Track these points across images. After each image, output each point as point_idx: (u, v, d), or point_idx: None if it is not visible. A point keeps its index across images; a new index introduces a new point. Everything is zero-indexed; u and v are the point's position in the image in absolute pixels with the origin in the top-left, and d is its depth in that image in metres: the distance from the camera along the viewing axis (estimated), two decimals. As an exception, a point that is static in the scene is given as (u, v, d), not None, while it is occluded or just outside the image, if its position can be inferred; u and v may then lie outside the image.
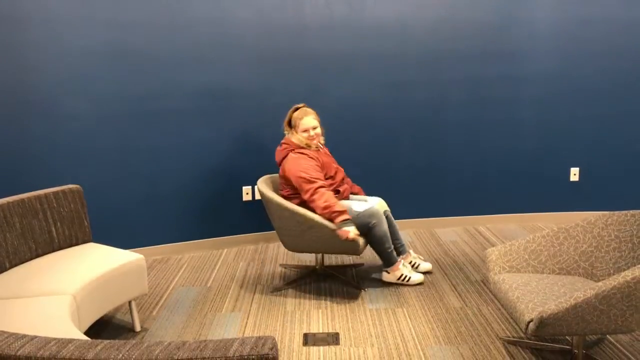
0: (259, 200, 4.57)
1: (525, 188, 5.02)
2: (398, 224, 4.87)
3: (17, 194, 3.15)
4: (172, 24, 4.15)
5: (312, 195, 3.43)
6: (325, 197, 3.41)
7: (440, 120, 4.81)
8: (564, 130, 4.93)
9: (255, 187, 4.55)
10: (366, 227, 3.51)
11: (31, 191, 3.22)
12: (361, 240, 3.46)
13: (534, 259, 2.92)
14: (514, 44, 4.75)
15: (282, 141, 3.73)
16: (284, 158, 3.65)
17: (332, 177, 3.70)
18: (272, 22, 4.37)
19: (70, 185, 3.33)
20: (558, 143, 4.95)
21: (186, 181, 4.39)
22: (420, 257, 3.99)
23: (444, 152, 4.87)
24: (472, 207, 5.00)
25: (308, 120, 3.67)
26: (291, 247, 3.62)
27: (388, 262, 3.69)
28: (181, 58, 4.21)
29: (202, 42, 4.24)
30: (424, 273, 3.90)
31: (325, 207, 3.38)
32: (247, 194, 4.57)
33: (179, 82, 4.24)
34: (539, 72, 4.81)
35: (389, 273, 3.72)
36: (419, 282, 3.73)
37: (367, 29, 4.56)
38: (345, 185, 3.81)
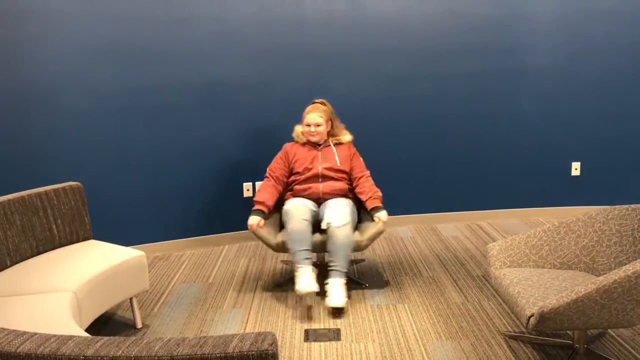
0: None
1: (527, 183, 5.01)
2: (399, 219, 4.87)
3: (17, 192, 3.15)
4: (173, 18, 4.14)
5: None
6: (260, 189, 3.68)
7: (441, 115, 4.80)
8: (565, 125, 4.92)
9: (256, 183, 4.55)
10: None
11: (32, 188, 3.22)
12: (266, 236, 3.47)
13: (535, 254, 2.91)
14: (515, 38, 4.73)
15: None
16: None
17: (298, 173, 3.66)
18: (273, 17, 4.36)
19: (71, 183, 3.33)
20: (559, 137, 4.94)
21: (187, 177, 4.39)
22: (339, 297, 3.30)
23: (445, 147, 4.86)
24: (473, 202, 4.99)
25: (311, 116, 3.69)
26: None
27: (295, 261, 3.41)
28: (182, 53, 4.20)
29: (202, 37, 4.23)
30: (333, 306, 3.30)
31: (255, 198, 3.64)
32: (248, 190, 4.56)
33: (180, 77, 4.23)
34: (540, 66, 4.80)
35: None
36: (301, 291, 3.24)
37: (368, 23, 4.55)
38: (319, 187, 3.63)
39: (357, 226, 3.65)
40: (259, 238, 3.48)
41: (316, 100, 3.83)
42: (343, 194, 3.69)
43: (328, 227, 3.38)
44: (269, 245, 3.48)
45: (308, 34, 4.45)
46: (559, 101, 4.87)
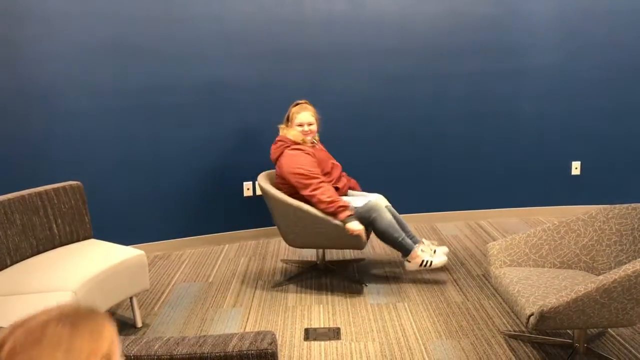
0: (259, 196, 4.57)
1: (526, 182, 5.01)
2: (399, 218, 4.87)
3: (17, 191, 3.15)
4: (172, 18, 4.14)
5: (313, 190, 3.39)
6: (329, 192, 3.39)
7: (441, 114, 4.80)
8: (565, 124, 4.92)
9: (256, 182, 4.55)
10: (367, 221, 3.50)
11: (31, 187, 3.22)
12: (364, 235, 3.44)
13: (534, 253, 2.91)
14: (514, 37, 4.73)
15: (277, 138, 3.70)
16: (279, 155, 3.62)
17: (328, 174, 3.67)
18: (272, 17, 4.36)
19: (71, 182, 3.33)
20: (559, 136, 4.94)
21: (187, 177, 4.39)
22: (434, 242, 3.77)
23: (445, 146, 4.86)
24: (473, 201, 4.99)
25: (304, 115, 3.68)
26: (293, 242, 3.62)
27: (405, 251, 3.56)
28: (181, 53, 4.20)
29: (202, 37, 4.23)
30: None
31: (331, 202, 3.35)
32: (248, 189, 4.56)
33: (179, 77, 4.23)
34: (540, 65, 4.79)
35: (409, 262, 3.58)
36: (442, 264, 3.60)
37: (367, 23, 4.54)
38: (344, 181, 3.79)
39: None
40: (358, 240, 3.40)
41: (300, 102, 3.78)
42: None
43: (388, 209, 3.73)
44: (358, 247, 3.49)
45: (308, 33, 4.45)
46: (558, 100, 4.87)
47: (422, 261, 3.57)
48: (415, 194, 4.90)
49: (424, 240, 3.73)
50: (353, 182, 3.99)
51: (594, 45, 4.78)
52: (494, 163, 4.94)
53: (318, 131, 3.81)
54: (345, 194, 3.77)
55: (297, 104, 3.76)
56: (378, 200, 3.64)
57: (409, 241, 3.58)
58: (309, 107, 3.75)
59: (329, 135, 4.62)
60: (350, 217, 3.36)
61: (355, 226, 3.34)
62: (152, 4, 4.07)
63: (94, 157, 4.11)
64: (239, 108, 4.42)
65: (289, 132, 3.67)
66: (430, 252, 3.62)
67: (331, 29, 4.49)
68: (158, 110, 4.23)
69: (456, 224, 4.91)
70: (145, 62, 4.13)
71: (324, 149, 3.88)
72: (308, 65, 4.50)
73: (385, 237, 3.54)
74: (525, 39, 4.74)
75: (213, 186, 4.48)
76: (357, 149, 4.71)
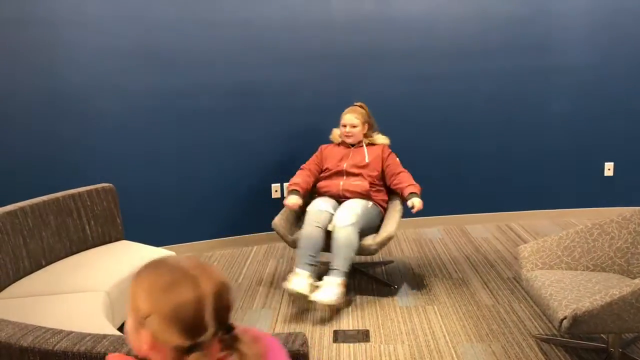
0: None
1: (558, 183, 4.93)
2: (428, 220, 4.84)
3: (52, 193, 3.22)
4: (202, 23, 4.18)
5: None
6: (294, 178, 3.75)
7: (471, 115, 4.76)
8: (598, 124, 4.83)
9: (284, 185, 4.57)
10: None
11: (65, 190, 3.28)
12: (282, 229, 3.54)
13: (567, 256, 2.86)
14: (545, 35, 4.66)
15: None
16: None
17: (330, 170, 3.75)
18: (300, 19, 4.37)
19: (104, 184, 3.39)
20: (591, 137, 4.86)
21: (216, 179, 4.43)
22: (327, 294, 3.24)
23: (475, 147, 4.81)
24: (503, 203, 4.93)
25: (348, 117, 3.80)
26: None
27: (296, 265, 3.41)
28: (211, 57, 4.25)
29: (231, 41, 4.27)
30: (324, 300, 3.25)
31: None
32: (276, 191, 4.58)
33: (209, 81, 4.27)
34: (571, 64, 4.72)
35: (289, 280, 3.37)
36: (290, 290, 3.28)
37: (395, 23, 4.53)
38: (354, 185, 3.65)
39: (375, 229, 3.61)
40: (277, 232, 3.52)
41: (356, 103, 3.92)
42: (364, 194, 3.64)
43: (333, 228, 3.41)
44: (285, 241, 3.56)
45: (335, 36, 4.46)
46: (591, 99, 4.79)
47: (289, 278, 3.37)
48: (445, 195, 4.87)
49: (338, 280, 3.31)
50: (406, 186, 3.68)
51: (628, 43, 4.69)
52: (524, 164, 4.88)
53: (367, 136, 3.85)
54: (344, 199, 3.67)
55: (353, 106, 3.90)
56: (336, 220, 3.42)
57: (302, 260, 3.36)
58: (358, 109, 3.84)
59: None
60: (289, 193, 3.67)
61: (289, 200, 3.61)
62: (182, 9, 4.12)
63: (126, 159, 4.17)
64: (267, 111, 4.44)
65: (333, 133, 3.99)
66: (298, 282, 3.30)
67: (358, 30, 4.49)
68: (188, 113, 4.27)
69: (486, 226, 4.86)
70: (176, 66, 4.18)
71: (364, 150, 3.78)
72: (336, 67, 4.50)
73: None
74: (556, 38, 4.67)
75: (242, 188, 4.51)
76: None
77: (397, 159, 3.86)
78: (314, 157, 3.90)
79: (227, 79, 4.31)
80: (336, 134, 3.94)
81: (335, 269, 3.33)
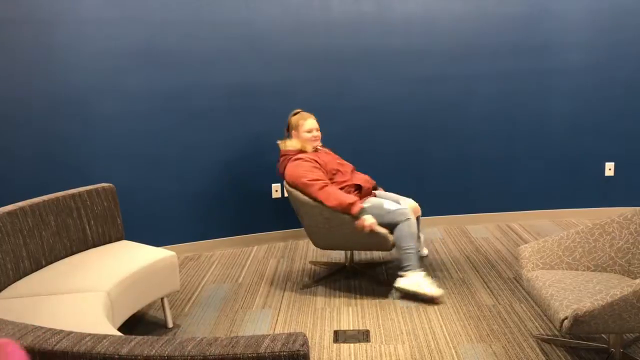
0: (287, 198, 4.57)
1: (558, 183, 4.93)
2: (428, 221, 4.84)
3: (52, 193, 3.21)
4: (202, 23, 4.18)
5: (318, 195, 3.41)
6: (333, 195, 3.39)
7: (470, 116, 4.76)
8: (598, 124, 4.83)
9: (284, 184, 4.56)
10: (394, 226, 3.48)
11: (65, 190, 3.28)
12: (386, 232, 3.42)
13: (568, 256, 2.86)
14: (545, 36, 4.66)
15: (280, 155, 3.72)
16: (284, 170, 3.63)
17: (337, 174, 3.63)
18: (300, 20, 4.37)
19: (104, 184, 3.39)
20: (592, 137, 4.85)
21: (216, 179, 4.43)
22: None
23: (474, 147, 4.81)
24: (503, 203, 4.93)
25: (311, 122, 3.71)
26: (321, 244, 3.62)
27: (403, 267, 3.44)
28: (211, 57, 4.24)
29: (230, 41, 4.27)
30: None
31: (338, 204, 3.36)
32: (276, 191, 4.58)
33: (209, 81, 4.27)
34: (571, 65, 4.71)
35: (403, 277, 3.44)
36: (433, 295, 3.37)
37: (395, 24, 4.52)
38: (363, 177, 3.72)
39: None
40: (376, 237, 3.37)
41: (296, 111, 3.79)
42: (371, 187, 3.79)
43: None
44: (385, 248, 3.44)
45: (335, 36, 4.45)
46: (591, 99, 4.78)
47: (407, 288, 3.41)
48: (445, 196, 4.86)
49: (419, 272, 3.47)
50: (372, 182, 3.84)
51: (628, 43, 4.68)
52: (524, 164, 4.87)
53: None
54: (369, 190, 3.72)
55: (297, 113, 3.77)
56: (411, 209, 3.57)
57: (416, 258, 3.44)
58: (311, 114, 3.78)
59: (355, 137, 4.62)
60: (362, 211, 3.39)
61: (367, 220, 3.35)
62: (181, 9, 4.12)
63: (126, 159, 4.17)
64: (267, 110, 4.44)
65: (287, 144, 3.69)
66: (429, 282, 3.43)
67: (358, 31, 4.48)
68: (188, 113, 4.27)
69: (486, 226, 4.86)
70: (176, 66, 4.17)
71: (329, 152, 3.84)
72: (336, 67, 4.50)
73: (400, 242, 3.43)
74: (557, 38, 4.67)
75: (242, 188, 4.51)
76: (385, 152, 4.70)
77: None
78: (318, 169, 3.54)
79: (228, 79, 4.31)
80: (296, 145, 3.65)
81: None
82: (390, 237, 3.43)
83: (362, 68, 4.54)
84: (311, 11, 4.38)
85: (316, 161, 3.57)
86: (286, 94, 4.45)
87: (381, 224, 3.44)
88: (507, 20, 4.62)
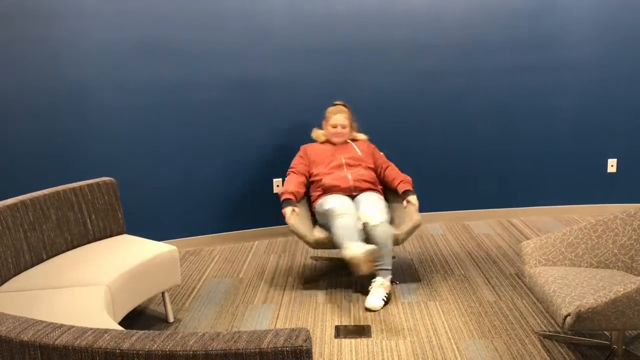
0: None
1: (561, 180, 4.91)
2: (430, 216, 4.83)
3: (53, 187, 3.20)
4: (204, 16, 4.16)
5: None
6: (287, 184, 3.70)
7: (473, 110, 4.74)
8: (601, 120, 4.81)
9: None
10: (326, 226, 3.54)
11: (66, 184, 3.27)
12: (303, 232, 3.40)
13: (570, 252, 2.85)
14: (550, 30, 4.64)
15: None
16: None
17: (323, 165, 3.76)
18: (303, 13, 4.35)
19: (105, 178, 3.38)
20: (595, 133, 4.83)
21: (217, 174, 4.41)
22: (377, 301, 3.29)
23: (477, 142, 4.79)
24: (505, 199, 4.92)
25: (338, 117, 3.82)
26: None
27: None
28: (213, 50, 4.22)
29: (233, 34, 4.25)
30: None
31: (281, 192, 3.66)
32: (278, 186, 4.57)
33: (210, 74, 4.25)
34: (575, 60, 4.69)
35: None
36: (353, 255, 3.13)
37: (399, 17, 4.50)
38: (361, 174, 3.72)
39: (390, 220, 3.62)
40: (296, 234, 3.41)
41: (338, 103, 3.96)
42: (373, 185, 3.76)
43: (365, 226, 3.40)
44: (306, 242, 3.43)
45: (338, 29, 4.43)
46: (594, 95, 4.76)
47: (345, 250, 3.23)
48: (447, 191, 4.85)
49: (384, 281, 3.36)
50: (399, 183, 3.77)
51: (633, 38, 4.66)
52: (527, 160, 4.86)
53: (353, 130, 3.97)
54: (356, 192, 3.70)
55: (335, 105, 3.92)
56: (365, 218, 3.43)
57: (351, 237, 3.29)
58: (344, 109, 3.89)
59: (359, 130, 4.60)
60: (284, 202, 3.58)
61: (287, 212, 3.50)
62: (183, 2, 4.10)
63: (127, 153, 4.16)
64: (269, 105, 4.42)
65: (316, 133, 3.99)
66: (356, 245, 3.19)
67: (361, 24, 4.46)
68: (189, 107, 4.25)
69: (488, 222, 4.84)
70: (177, 59, 4.16)
71: (352, 145, 3.88)
72: (338, 61, 4.48)
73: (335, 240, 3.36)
74: (561, 32, 4.64)
75: (243, 183, 4.49)
76: (387, 146, 4.67)
77: (382, 153, 4.00)
78: (298, 158, 3.86)
79: (229, 72, 4.29)
80: (319, 132, 3.98)
81: (383, 269, 3.36)
82: (309, 238, 3.41)
83: (366, 61, 4.52)
84: (314, 4, 4.35)
85: (305, 151, 3.87)
86: (289, 87, 4.43)
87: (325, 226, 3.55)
88: (512, 15, 4.59)
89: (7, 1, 3.74)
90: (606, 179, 4.92)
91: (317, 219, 3.68)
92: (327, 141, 3.92)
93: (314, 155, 3.83)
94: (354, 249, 3.11)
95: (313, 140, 4.03)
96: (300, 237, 3.41)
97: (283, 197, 3.61)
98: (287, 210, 3.52)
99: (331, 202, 3.51)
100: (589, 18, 4.62)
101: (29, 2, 3.78)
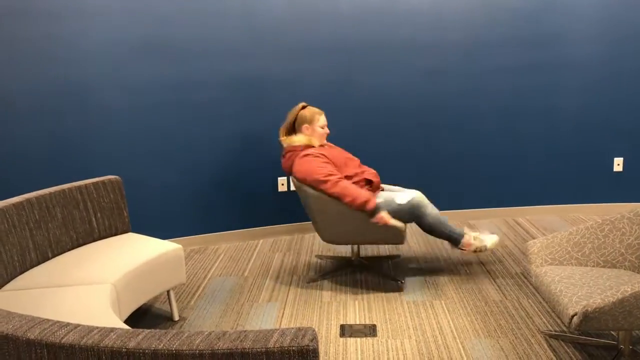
0: (294, 191, 4.57)
1: (567, 178, 4.89)
2: (435, 215, 4.82)
3: (58, 185, 3.21)
4: (205, 14, 4.15)
5: (333, 191, 3.35)
6: (348, 191, 3.34)
7: (477, 109, 4.72)
8: (607, 119, 4.79)
9: (291, 178, 4.54)
10: (414, 217, 3.51)
11: (71, 182, 3.27)
12: (402, 225, 3.41)
13: (577, 252, 2.84)
14: (554, 29, 4.61)
15: (285, 151, 3.65)
16: (291, 165, 3.60)
17: (344, 168, 3.61)
18: (306, 11, 4.34)
19: (110, 176, 3.38)
20: (601, 132, 4.81)
21: (222, 172, 4.41)
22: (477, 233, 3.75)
23: (481, 141, 4.78)
24: (510, 198, 4.90)
25: (324, 118, 3.69)
26: (330, 239, 3.58)
27: (456, 241, 3.61)
28: (215, 49, 4.22)
29: (235, 32, 4.24)
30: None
31: (352, 200, 3.32)
32: (283, 184, 4.56)
33: (214, 73, 4.25)
34: (581, 58, 4.67)
35: (465, 250, 3.64)
36: (496, 242, 3.69)
37: (402, 16, 4.49)
38: (371, 171, 3.72)
39: None
40: (401, 234, 3.38)
41: (304, 104, 3.72)
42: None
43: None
44: (398, 241, 3.43)
45: (341, 28, 4.42)
46: (600, 94, 4.74)
47: (476, 248, 3.64)
48: (451, 190, 4.84)
49: (465, 229, 3.73)
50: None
51: (637, 36, 4.63)
52: (532, 159, 4.84)
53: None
54: (379, 184, 3.72)
55: (306, 107, 3.70)
56: (422, 196, 3.61)
57: (457, 229, 3.63)
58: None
59: (362, 130, 4.60)
60: (377, 208, 3.36)
61: (382, 218, 3.34)
62: (184, 1, 4.09)
63: (131, 152, 4.16)
64: (273, 103, 4.42)
65: (294, 139, 3.62)
66: (480, 237, 3.69)
67: (364, 23, 4.45)
68: (193, 106, 4.25)
69: (493, 221, 4.83)
70: (179, 58, 4.15)
71: (333, 145, 3.84)
72: (341, 59, 4.47)
73: (435, 230, 3.58)
74: (564, 31, 4.62)
75: (248, 182, 4.49)
76: (391, 145, 4.67)
77: None
78: (329, 165, 3.49)
79: (233, 71, 4.29)
80: (307, 139, 3.61)
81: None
82: (403, 230, 3.41)
83: (369, 61, 4.51)
84: (317, 2, 4.34)
85: (325, 155, 3.52)
86: (292, 86, 4.43)
87: (396, 217, 3.46)
88: (514, 14, 4.57)
89: (8, 1, 3.74)
90: (612, 178, 4.90)
91: (392, 215, 3.51)
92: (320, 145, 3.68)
93: (334, 159, 3.58)
94: (489, 240, 3.65)
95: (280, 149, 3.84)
96: (403, 236, 3.42)
97: (369, 206, 3.33)
98: (385, 215, 3.36)
99: (403, 195, 3.54)
100: (592, 16, 4.60)
101: (30, 3, 3.78)
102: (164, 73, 4.14)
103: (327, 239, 3.60)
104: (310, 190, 3.47)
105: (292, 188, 4.57)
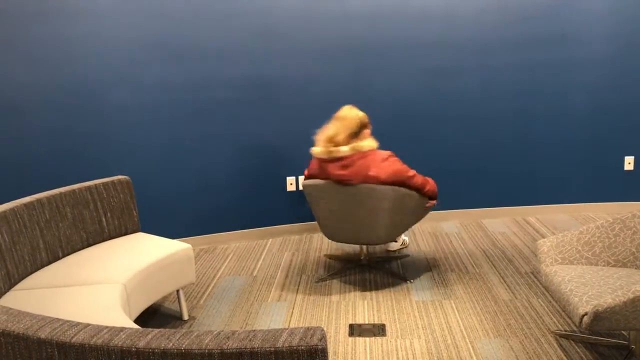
0: (302, 191, 4.57)
1: (577, 177, 4.86)
2: (445, 214, 4.81)
3: (68, 185, 3.22)
4: (218, 15, 4.16)
5: (421, 183, 3.55)
6: (426, 181, 3.61)
7: (489, 108, 4.70)
8: (618, 117, 4.75)
9: (299, 178, 4.55)
10: None
11: (81, 182, 3.29)
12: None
13: (587, 251, 2.82)
14: (566, 27, 4.59)
15: (345, 156, 3.39)
16: (359, 171, 3.37)
17: None
18: (316, 11, 4.34)
19: (120, 176, 3.39)
20: (611, 130, 4.78)
21: (231, 171, 4.42)
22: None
23: (492, 140, 4.76)
24: (521, 197, 4.88)
25: None
26: (333, 236, 3.59)
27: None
28: (227, 49, 4.23)
29: (246, 33, 4.25)
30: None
31: (430, 188, 3.63)
32: (291, 184, 4.57)
33: (225, 73, 4.26)
34: (591, 57, 4.64)
35: (396, 241, 4.20)
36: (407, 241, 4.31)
37: (412, 16, 4.48)
38: None
39: None
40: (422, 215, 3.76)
41: (353, 107, 3.64)
42: None
43: None
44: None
45: (352, 28, 4.42)
46: (611, 92, 4.71)
47: (402, 240, 4.25)
48: (462, 189, 4.82)
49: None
50: None
51: (650, 36, 4.60)
52: (543, 157, 4.81)
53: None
54: None
55: (355, 110, 3.61)
56: None
57: None
58: None
59: (373, 130, 4.58)
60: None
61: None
62: (198, 1, 4.10)
63: (142, 152, 4.18)
64: (283, 103, 4.42)
65: (363, 145, 3.44)
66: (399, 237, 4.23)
67: (375, 23, 4.44)
68: (203, 106, 4.27)
69: (503, 220, 4.81)
70: (192, 58, 4.17)
71: None
72: (352, 59, 4.47)
73: None
74: (577, 29, 4.59)
75: (257, 181, 4.50)
76: (402, 144, 4.66)
77: None
78: (404, 164, 3.53)
79: (243, 71, 4.30)
80: (373, 144, 3.53)
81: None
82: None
83: (379, 60, 4.50)
84: (328, 2, 4.34)
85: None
86: (301, 86, 4.43)
87: None
88: (526, 12, 4.55)
89: (24, 1, 3.77)
90: (623, 177, 4.86)
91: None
92: None
93: None
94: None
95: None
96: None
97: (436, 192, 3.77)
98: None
99: None
100: (604, 14, 4.56)
101: (46, 1, 3.80)
102: (177, 73, 4.16)
103: (332, 236, 3.61)
104: (389, 192, 3.35)
105: (301, 187, 4.57)
